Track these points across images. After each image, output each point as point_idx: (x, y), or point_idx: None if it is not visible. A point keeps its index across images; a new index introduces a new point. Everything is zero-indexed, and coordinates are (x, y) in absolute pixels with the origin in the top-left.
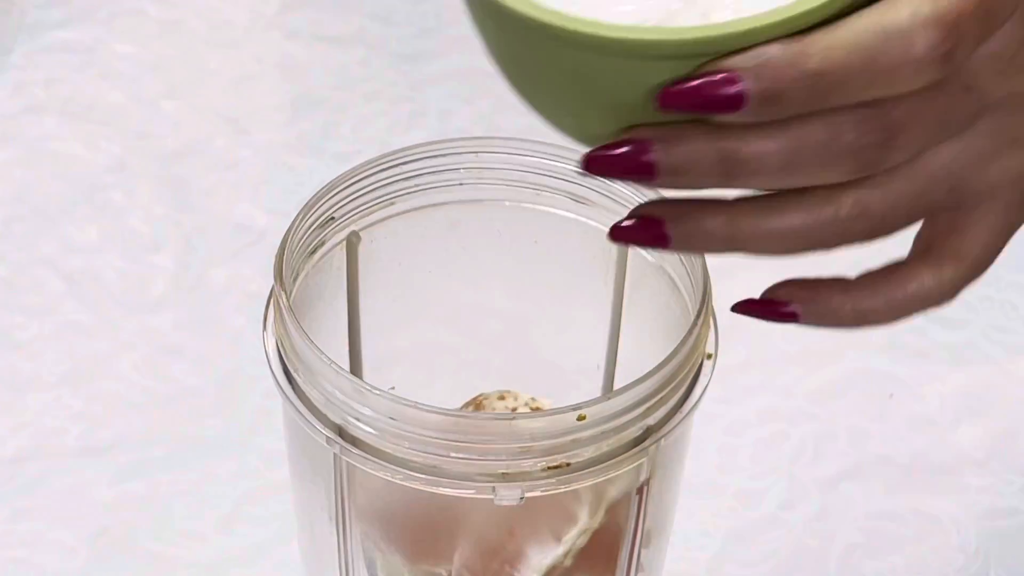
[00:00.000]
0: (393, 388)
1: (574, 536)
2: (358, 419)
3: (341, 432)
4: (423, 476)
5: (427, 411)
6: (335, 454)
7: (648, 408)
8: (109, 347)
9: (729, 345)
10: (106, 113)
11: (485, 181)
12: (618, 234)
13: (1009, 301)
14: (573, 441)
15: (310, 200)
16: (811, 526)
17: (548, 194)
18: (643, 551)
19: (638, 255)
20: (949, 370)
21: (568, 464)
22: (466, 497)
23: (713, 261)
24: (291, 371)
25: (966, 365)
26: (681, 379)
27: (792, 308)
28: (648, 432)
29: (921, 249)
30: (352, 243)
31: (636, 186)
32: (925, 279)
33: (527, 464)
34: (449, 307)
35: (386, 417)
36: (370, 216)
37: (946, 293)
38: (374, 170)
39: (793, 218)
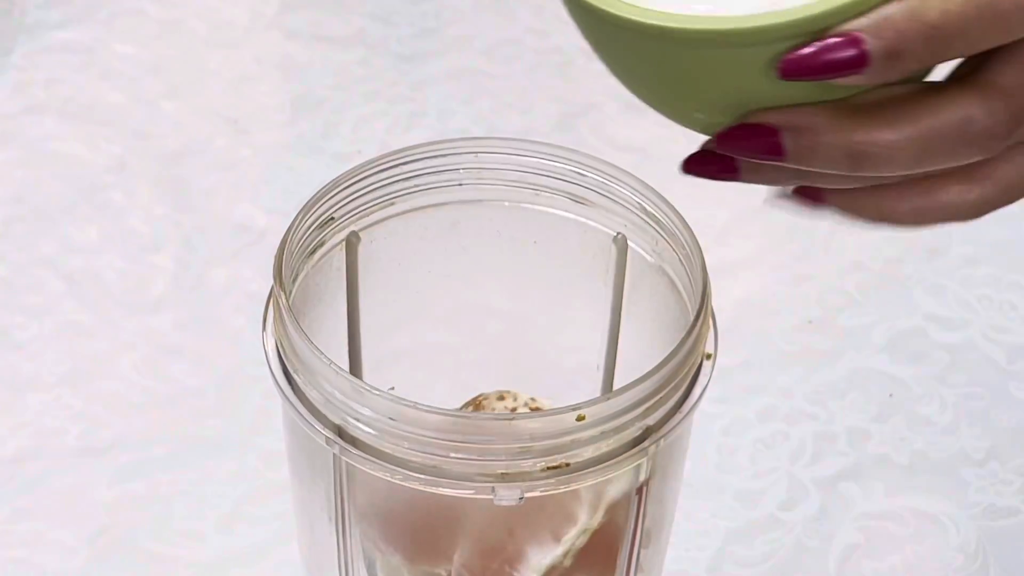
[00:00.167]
0: (393, 388)
1: (574, 536)
2: (358, 419)
3: (341, 432)
4: (423, 476)
5: (427, 411)
6: (335, 454)
7: (648, 408)
8: (109, 347)
9: (729, 345)
10: (106, 113)
11: (485, 181)
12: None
13: (1009, 301)
14: (573, 441)
15: (310, 200)
16: (810, 526)
17: (548, 194)
18: (643, 551)
19: (638, 255)
20: (949, 370)
21: (568, 464)
22: (466, 497)
23: (713, 261)
24: (291, 371)
25: (966, 365)
26: (680, 379)
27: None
28: (648, 432)
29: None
30: (352, 243)
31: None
32: (953, 193)
33: (527, 464)
34: (449, 307)
35: (386, 417)
36: (370, 216)
37: (972, 211)
38: (374, 170)
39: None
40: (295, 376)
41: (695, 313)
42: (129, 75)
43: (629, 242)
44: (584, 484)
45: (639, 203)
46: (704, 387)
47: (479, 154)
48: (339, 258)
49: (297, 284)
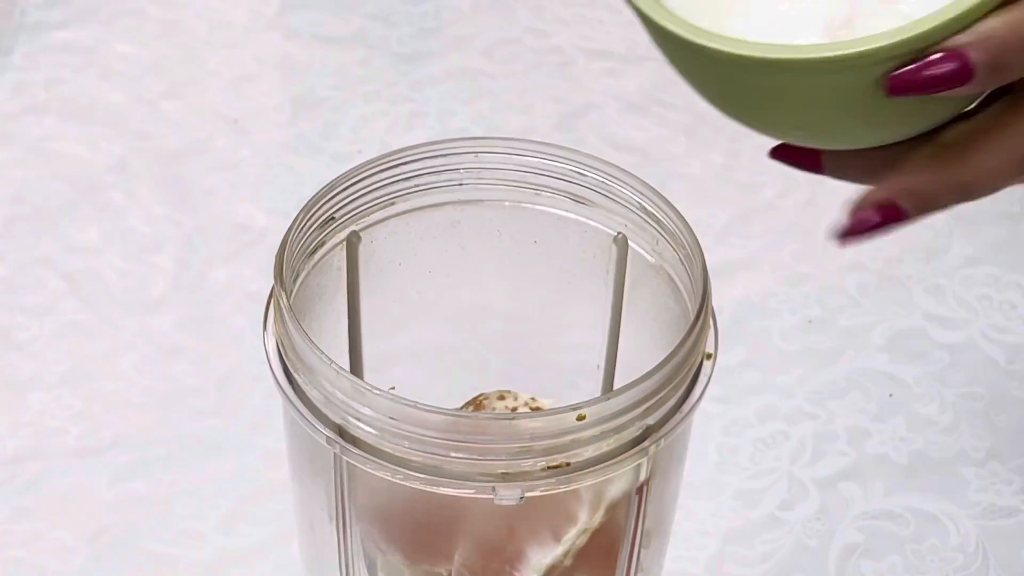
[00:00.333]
0: (393, 388)
1: (574, 536)
2: (358, 419)
3: (341, 432)
4: (423, 476)
5: (427, 411)
6: (335, 454)
7: (648, 408)
8: (109, 347)
9: (729, 345)
10: (106, 113)
11: (485, 181)
12: (850, 234)
13: (1009, 301)
14: (573, 441)
15: (310, 200)
16: (810, 526)
17: (548, 194)
18: (643, 551)
19: (638, 255)
20: (949, 370)
21: (568, 464)
22: (466, 497)
23: (713, 261)
24: (291, 371)
25: (966, 365)
26: (681, 379)
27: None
28: (648, 432)
29: None
30: (352, 243)
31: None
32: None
33: (527, 464)
34: (449, 307)
35: (386, 417)
36: (370, 216)
37: None
38: (374, 170)
39: None
40: (296, 376)
41: (695, 313)
42: (129, 75)
43: (629, 242)
44: (584, 484)
45: (639, 203)
46: (704, 387)
47: (479, 154)
48: (339, 258)
49: (298, 284)
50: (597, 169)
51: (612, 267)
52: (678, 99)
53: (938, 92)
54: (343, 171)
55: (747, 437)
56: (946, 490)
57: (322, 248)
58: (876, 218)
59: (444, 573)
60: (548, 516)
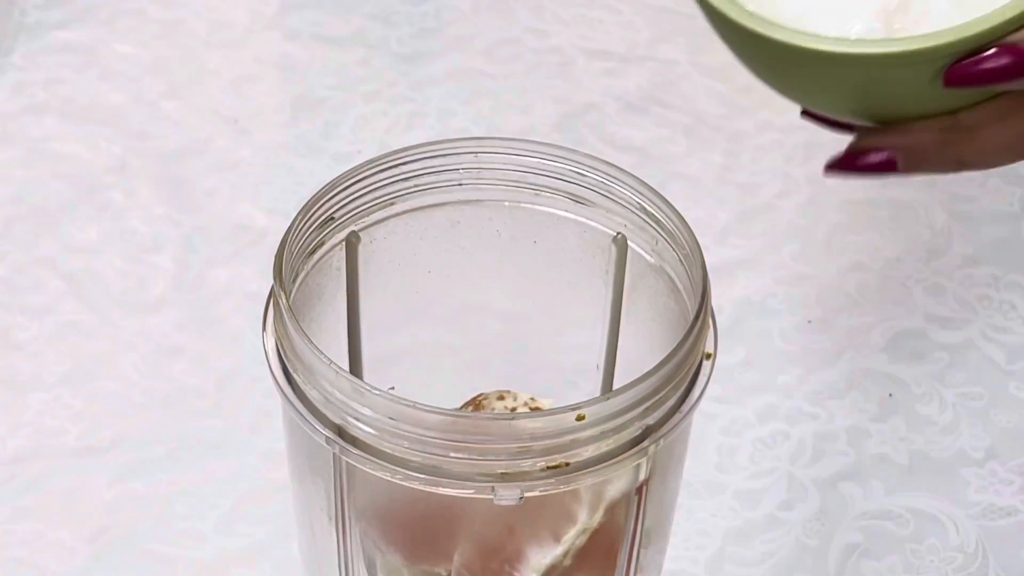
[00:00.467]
0: (393, 388)
1: (573, 536)
2: (358, 419)
3: (341, 432)
4: (423, 476)
5: (427, 411)
6: (335, 454)
7: (647, 408)
8: (109, 347)
9: (729, 345)
10: (106, 113)
11: (485, 181)
12: (840, 168)
13: (1009, 301)
14: (572, 441)
15: (310, 200)
16: (810, 526)
17: (548, 194)
18: (643, 551)
19: (638, 255)
20: (949, 370)
21: (567, 464)
22: (466, 497)
23: (713, 261)
24: (291, 371)
25: (966, 365)
26: (680, 379)
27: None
28: (647, 432)
29: None
30: (352, 243)
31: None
32: None
33: (526, 464)
34: (449, 307)
35: (386, 417)
36: (370, 216)
37: None
38: (374, 170)
39: None
40: (295, 376)
41: (695, 313)
42: (129, 75)
43: (629, 242)
44: (584, 484)
45: (639, 203)
46: (704, 387)
47: (479, 154)
48: (339, 258)
49: (297, 284)
50: (597, 169)
51: (612, 267)
52: (678, 99)
53: (999, 85)
54: (343, 171)
55: (747, 437)
56: (946, 490)
57: (322, 248)
58: (868, 163)
59: (444, 573)
60: (548, 516)
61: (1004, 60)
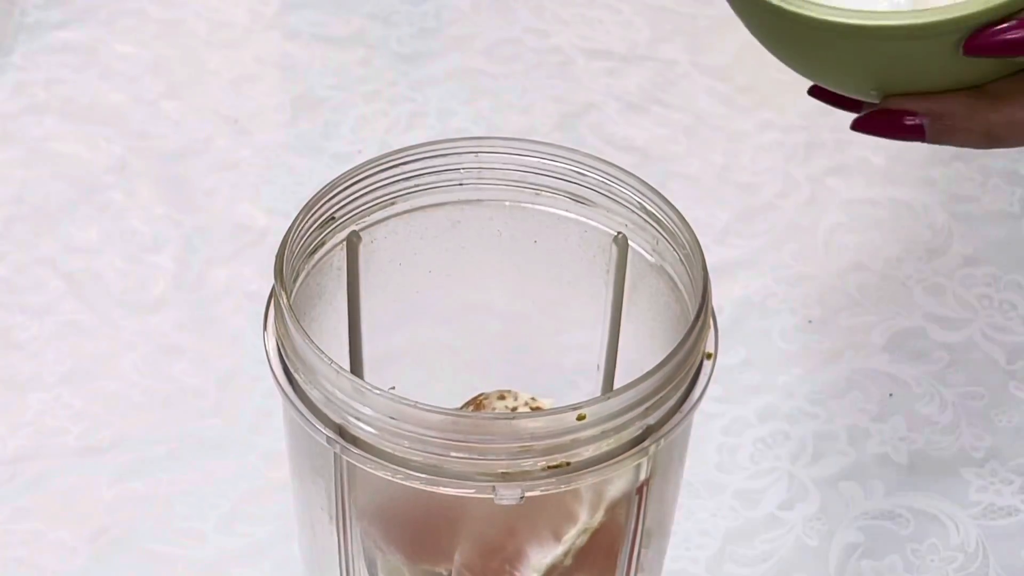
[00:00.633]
0: (393, 388)
1: (574, 536)
2: (358, 419)
3: (341, 432)
4: (423, 476)
5: (427, 411)
6: (335, 454)
7: (648, 408)
8: (109, 347)
9: (729, 345)
10: (106, 113)
11: (485, 181)
12: (867, 125)
13: (1009, 301)
14: (573, 441)
15: (310, 200)
16: (810, 526)
17: (548, 194)
18: (643, 550)
19: (638, 255)
20: (949, 370)
21: (568, 464)
22: (466, 497)
23: (713, 261)
24: (291, 371)
25: (966, 365)
26: (681, 379)
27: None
28: (648, 432)
29: None
30: (352, 243)
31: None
32: None
33: (527, 464)
34: (449, 307)
35: (386, 417)
36: (370, 216)
37: None
38: (374, 170)
39: None
40: (296, 376)
41: (695, 313)
42: (129, 75)
43: (629, 242)
44: (584, 483)
45: (639, 203)
46: (704, 387)
47: (479, 154)
48: (339, 258)
49: (298, 284)
50: (597, 169)
51: (612, 267)
52: (678, 99)
53: (1010, 55)
54: (343, 171)
55: (747, 437)
56: (946, 490)
57: (322, 248)
58: (898, 124)
59: (444, 573)
60: (548, 516)
61: (1021, 32)
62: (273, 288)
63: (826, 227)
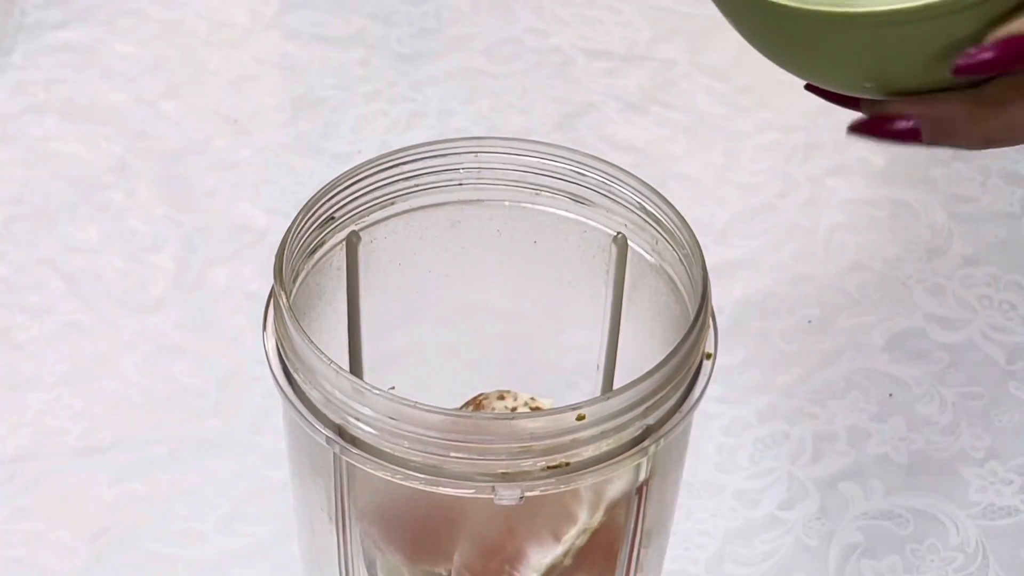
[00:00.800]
0: (393, 388)
1: (574, 536)
2: (358, 419)
3: (341, 432)
4: (423, 476)
5: (427, 411)
6: (335, 454)
7: (648, 408)
8: (109, 347)
9: (729, 345)
10: (106, 113)
11: (485, 181)
12: (866, 129)
13: (1008, 301)
14: (573, 441)
15: (310, 200)
16: (810, 526)
17: (548, 194)
18: (643, 550)
19: (638, 255)
20: (949, 370)
21: (568, 464)
22: (466, 497)
23: (713, 261)
24: (291, 371)
25: (966, 365)
26: (680, 379)
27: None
28: (648, 432)
29: None
30: (352, 243)
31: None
32: None
33: (527, 464)
34: (449, 307)
35: (386, 417)
36: (370, 216)
37: None
38: (374, 170)
39: None
40: (295, 376)
41: (695, 313)
42: (129, 75)
43: (629, 242)
44: (584, 483)
45: (639, 203)
46: (704, 387)
47: (479, 154)
48: (339, 258)
49: (297, 284)
50: (597, 169)
51: (612, 267)
52: (678, 99)
53: (1014, 69)
54: (343, 171)
55: (747, 437)
56: (946, 490)
57: (322, 248)
58: (894, 129)
59: (444, 573)
60: (548, 516)
61: (1008, 51)
62: (273, 288)
63: (826, 227)
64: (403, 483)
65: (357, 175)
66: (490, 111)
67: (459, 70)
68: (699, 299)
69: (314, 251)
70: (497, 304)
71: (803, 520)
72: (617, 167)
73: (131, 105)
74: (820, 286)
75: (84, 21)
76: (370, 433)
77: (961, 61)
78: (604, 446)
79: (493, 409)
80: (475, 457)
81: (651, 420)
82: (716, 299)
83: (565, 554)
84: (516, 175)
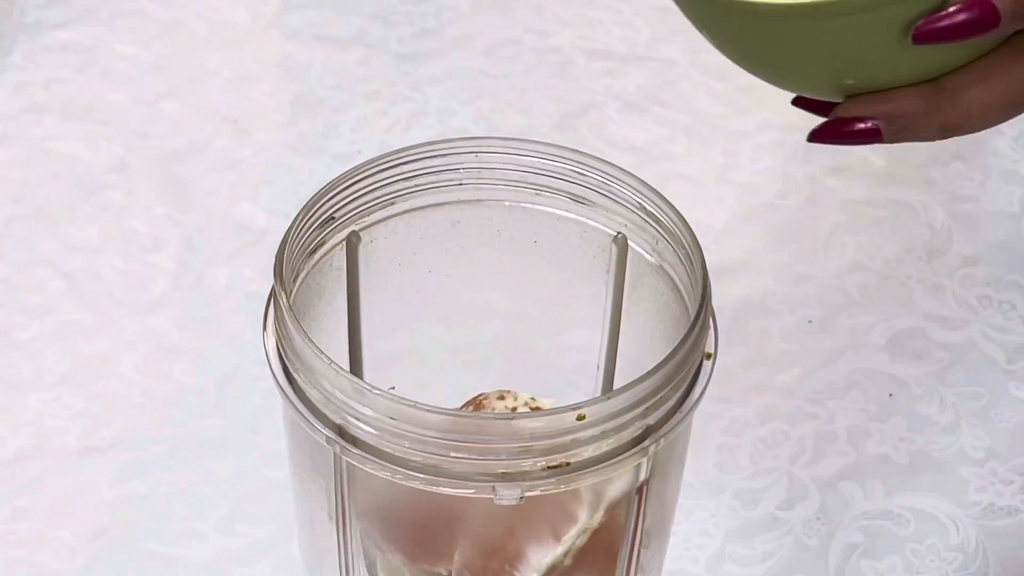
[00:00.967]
0: (393, 388)
1: (574, 536)
2: (358, 419)
3: (341, 432)
4: (423, 476)
5: (427, 411)
6: (335, 454)
7: (648, 408)
8: (109, 347)
9: (729, 345)
10: (106, 113)
11: (485, 181)
12: (823, 135)
13: (1008, 301)
14: (573, 441)
15: (310, 200)
16: (810, 526)
17: (548, 194)
18: (643, 550)
19: (638, 255)
20: (949, 370)
21: (568, 464)
22: (466, 497)
23: (713, 261)
24: (291, 371)
25: (966, 365)
26: (680, 379)
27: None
28: (648, 432)
29: None
30: (352, 243)
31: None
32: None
33: (527, 464)
34: (449, 307)
35: (386, 417)
36: (370, 216)
37: None
38: (374, 170)
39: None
40: (296, 375)
41: (695, 313)
42: (129, 75)
43: (629, 242)
44: (584, 483)
45: (639, 203)
46: (704, 387)
47: (479, 154)
48: (339, 258)
49: (298, 284)
50: (597, 169)
51: (612, 267)
52: (678, 99)
53: (966, 39)
54: (343, 171)
55: (747, 437)
56: (946, 490)
57: (322, 248)
58: (852, 130)
59: (444, 573)
60: (548, 516)
61: (969, 15)
62: (273, 288)
63: (826, 227)
64: (403, 483)
65: (357, 175)
66: (490, 111)
67: (459, 70)
68: (699, 299)
69: (314, 251)
70: (497, 304)
71: (803, 520)
72: (617, 167)
73: (131, 105)
74: (820, 286)
75: (84, 21)
76: (370, 433)
77: (922, 24)
78: (604, 446)
79: (493, 409)
80: (475, 457)
81: (651, 420)
82: (716, 299)
83: (565, 554)
84: (516, 175)
